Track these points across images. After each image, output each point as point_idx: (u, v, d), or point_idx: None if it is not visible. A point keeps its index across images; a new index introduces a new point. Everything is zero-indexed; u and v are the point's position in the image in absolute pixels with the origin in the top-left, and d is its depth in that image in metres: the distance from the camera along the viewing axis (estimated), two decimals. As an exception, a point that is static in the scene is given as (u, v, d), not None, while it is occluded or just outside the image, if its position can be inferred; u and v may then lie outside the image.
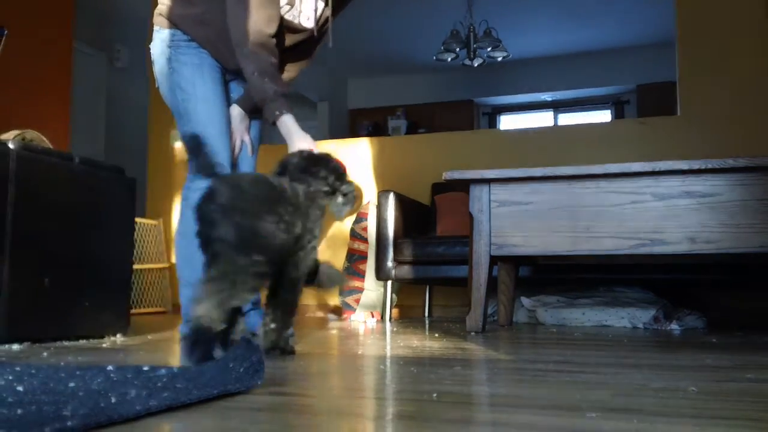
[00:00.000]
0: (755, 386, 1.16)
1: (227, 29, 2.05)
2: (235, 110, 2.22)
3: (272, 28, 2.00)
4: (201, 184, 2.08)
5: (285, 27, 2.11)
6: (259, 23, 1.98)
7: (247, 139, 2.25)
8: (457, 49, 5.76)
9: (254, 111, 2.28)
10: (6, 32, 3.16)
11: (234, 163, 2.22)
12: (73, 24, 4.31)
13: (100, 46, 5.57)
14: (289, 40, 2.16)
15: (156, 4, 2.13)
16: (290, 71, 2.28)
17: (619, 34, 6.96)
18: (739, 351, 1.83)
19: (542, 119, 8.44)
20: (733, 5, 3.85)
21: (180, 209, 2.15)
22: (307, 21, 2.16)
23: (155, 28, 2.14)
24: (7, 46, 3.44)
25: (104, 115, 5.62)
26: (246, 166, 2.27)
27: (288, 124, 2.02)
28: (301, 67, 2.31)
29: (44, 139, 2.21)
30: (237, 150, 2.22)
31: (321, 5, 2.17)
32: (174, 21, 2.06)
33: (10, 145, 1.87)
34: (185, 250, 2.11)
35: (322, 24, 2.23)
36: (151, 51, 2.16)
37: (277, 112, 2.02)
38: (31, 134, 2.15)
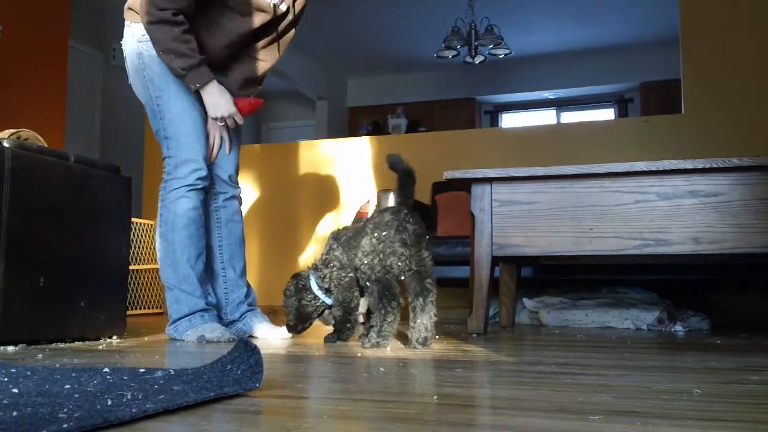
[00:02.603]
0: (760, 388, 1.15)
1: (197, 23, 2.03)
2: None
3: (170, 3, 1.95)
4: (177, 185, 2.08)
5: (247, 5, 2.07)
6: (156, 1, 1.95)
7: (226, 136, 2.22)
8: (459, 47, 5.75)
9: None
10: (1, 30, 3.15)
11: (212, 161, 2.19)
12: (69, 22, 4.30)
13: (95, 45, 5.56)
14: (255, 22, 2.11)
15: None
16: (266, 62, 2.23)
17: (622, 32, 6.95)
18: (744, 352, 1.82)
19: (545, 117, 8.43)
20: (737, 2, 3.83)
21: (160, 211, 2.13)
22: (282, 3, 2.12)
23: (126, 22, 2.11)
24: (2, 44, 3.43)
25: (100, 114, 5.62)
26: (225, 163, 2.24)
27: (207, 91, 2.04)
28: (276, 59, 2.26)
29: (39, 137, 2.20)
30: (216, 148, 2.20)
31: None
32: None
33: (5, 144, 1.86)
34: (168, 252, 2.11)
35: (299, 12, 2.20)
36: (123, 47, 2.14)
37: (192, 86, 2.02)
38: (27, 133, 2.14)
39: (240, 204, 2.31)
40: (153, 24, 1.96)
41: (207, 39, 2.06)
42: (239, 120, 2.14)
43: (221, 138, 2.21)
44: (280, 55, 2.27)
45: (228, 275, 2.24)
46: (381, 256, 1.85)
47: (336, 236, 2.02)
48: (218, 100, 2.07)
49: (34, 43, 3.94)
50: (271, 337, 2.15)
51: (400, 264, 1.87)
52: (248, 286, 2.31)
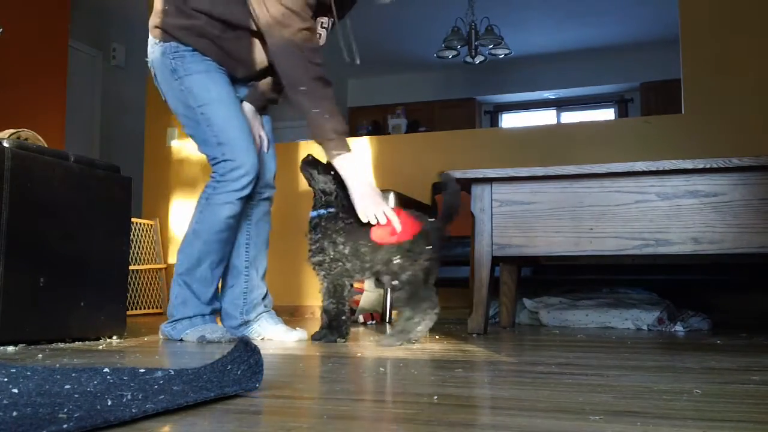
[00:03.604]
0: (760, 388, 1.15)
1: (228, 42, 2.03)
2: (247, 107, 2.20)
3: (320, 58, 1.99)
4: (228, 188, 2.06)
5: None
6: (312, 56, 1.97)
7: (263, 134, 2.24)
8: (459, 47, 5.75)
9: (263, 108, 2.26)
10: (1, 30, 3.15)
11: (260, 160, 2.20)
12: (69, 22, 4.30)
13: (95, 45, 5.56)
14: None
15: (151, 2, 2.10)
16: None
17: (622, 32, 6.94)
18: (744, 353, 1.81)
19: (545, 118, 8.43)
20: (737, 2, 3.83)
21: (199, 208, 2.11)
22: (322, 40, 2.17)
23: (153, 41, 2.10)
24: (2, 44, 3.43)
25: (100, 114, 5.62)
26: (270, 163, 2.25)
27: (346, 166, 2.01)
28: None
29: (39, 137, 2.20)
30: (259, 147, 2.20)
31: (327, 21, 2.16)
32: (173, 33, 2.04)
33: (5, 144, 1.86)
34: (194, 249, 2.09)
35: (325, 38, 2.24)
36: (151, 65, 2.12)
37: (335, 152, 1.99)
38: (27, 133, 2.14)
39: (271, 204, 2.30)
40: (314, 81, 1.96)
41: (249, 56, 2.09)
42: (391, 217, 1.98)
43: (259, 137, 2.21)
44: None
45: (251, 275, 2.21)
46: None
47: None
48: (356, 171, 2.01)
49: (34, 44, 3.94)
50: (287, 340, 2.13)
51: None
52: (266, 288, 2.30)
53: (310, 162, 2.09)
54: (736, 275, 3.08)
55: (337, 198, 2.04)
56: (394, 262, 1.95)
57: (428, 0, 6.12)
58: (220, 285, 2.20)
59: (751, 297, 3.43)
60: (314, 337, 2.06)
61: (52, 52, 4.10)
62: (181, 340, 2.07)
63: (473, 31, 5.70)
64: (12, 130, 2.09)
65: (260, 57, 2.11)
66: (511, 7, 6.18)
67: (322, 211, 2.06)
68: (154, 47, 2.09)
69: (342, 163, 2.00)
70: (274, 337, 2.16)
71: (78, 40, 5.13)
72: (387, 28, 6.88)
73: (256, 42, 2.09)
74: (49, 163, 1.99)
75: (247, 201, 2.18)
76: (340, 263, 2.00)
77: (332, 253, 2.00)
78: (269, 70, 2.15)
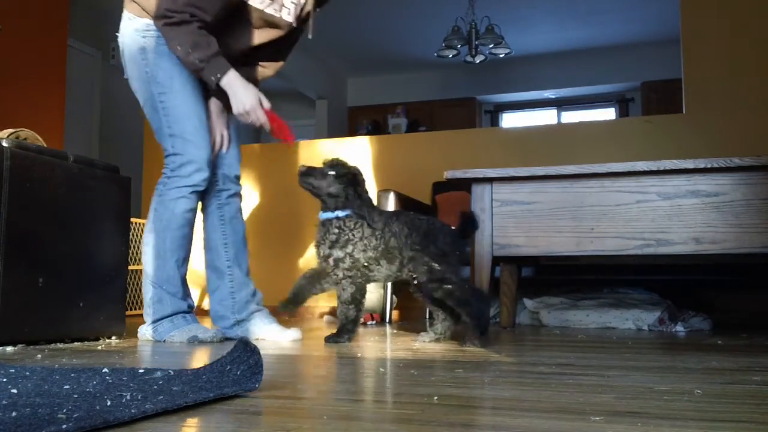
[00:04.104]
0: (761, 389, 1.14)
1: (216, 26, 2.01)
2: (213, 104, 2.16)
3: (190, 7, 1.92)
4: (179, 183, 2.05)
5: (264, 21, 2.06)
6: (166, 3, 1.92)
7: (226, 134, 2.19)
8: (459, 46, 5.75)
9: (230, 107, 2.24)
10: (0, 30, 3.15)
11: (214, 160, 2.17)
12: (68, 22, 4.29)
13: (94, 44, 5.56)
14: (267, 35, 2.11)
15: None
16: (267, 69, 2.23)
17: (623, 31, 6.94)
18: (745, 353, 1.81)
19: (545, 117, 8.43)
20: (737, 3, 3.83)
21: (154, 206, 2.09)
22: (288, 15, 2.10)
23: (127, 15, 2.07)
24: (1, 44, 3.43)
25: (99, 114, 5.61)
26: (233, 161, 2.22)
27: (229, 82, 1.97)
28: (278, 67, 2.27)
29: (38, 137, 2.20)
30: (218, 146, 2.18)
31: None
32: (149, 10, 2.00)
33: (4, 144, 1.85)
34: (158, 250, 2.07)
35: (303, 19, 2.17)
36: (121, 39, 2.09)
37: (213, 78, 1.96)
38: (26, 133, 2.14)
39: (241, 201, 2.30)
40: (171, 25, 1.93)
41: (223, 39, 2.04)
42: (262, 119, 2.04)
43: (221, 136, 2.19)
44: (283, 64, 2.28)
45: (235, 274, 2.20)
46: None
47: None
48: (243, 92, 1.99)
49: (34, 43, 3.94)
50: (281, 339, 2.12)
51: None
52: (253, 285, 2.29)
53: (305, 173, 2.06)
54: (737, 275, 3.08)
55: (348, 198, 2.02)
56: (426, 266, 1.96)
57: (428, 0, 6.12)
58: (205, 289, 2.19)
59: (751, 297, 3.43)
60: (328, 340, 2.03)
61: (51, 52, 4.09)
62: (164, 341, 2.05)
63: (474, 30, 5.69)
64: (11, 130, 2.08)
65: (225, 51, 2.06)
66: (511, 7, 6.18)
67: (339, 213, 2.02)
68: (126, 22, 2.07)
69: (225, 82, 1.96)
70: (267, 337, 2.14)
71: (77, 39, 5.12)
72: (387, 27, 6.88)
73: (240, 31, 2.07)
74: (48, 162, 1.99)
75: (213, 200, 2.17)
76: (367, 269, 2.01)
77: (362, 260, 1.99)
78: (236, 64, 2.11)
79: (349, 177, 2.05)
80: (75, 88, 5.00)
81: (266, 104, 2.04)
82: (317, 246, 2.05)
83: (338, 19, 6.51)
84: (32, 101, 3.88)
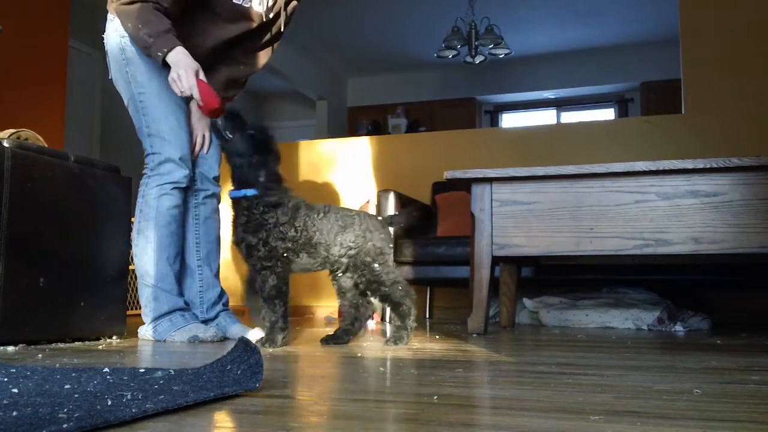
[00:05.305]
0: (760, 388, 1.15)
1: (180, 25, 2.00)
2: (195, 106, 2.17)
3: None
4: (160, 181, 2.06)
5: (234, 12, 2.06)
6: None
7: (207, 135, 2.20)
8: (459, 46, 5.75)
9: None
10: (1, 30, 3.15)
11: (194, 160, 2.18)
12: (69, 22, 4.29)
13: (95, 44, 5.55)
14: (239, 29, 2.10)
15: None
16: (249, 65, 2.22)
17: (623, 32, 6.94)
18: (744, 353, 1.81)
19: (545, 117, 8.43)
20: (737, 3, 3.83)
21: (139, 207, 2.12)
22: (259, 6, 2.10)
23: (109, 16, 2.09)
24: (2, 44, 3.43)
25: (99, 114, 5.61)
26: (212, 161, 2.23)
27: (176, 58, 1.93)
28: (260, 64, 2.26)
29: (39, 137, 2.20)
30: (198, 147, 2.19)
31: None
32: None
33: (5, 144, 1.86)
34: (147, 249, 2.09)
35: (276, 12, 2.17)
36: (105, 41, 2.11)
37: (160, 53, 1.93)
38: (27, 133, 2.14)
39: (219, 202, 2.30)
40: (126, 5, 1.93)
41: (193, 39, 2.05)
42: (196, 96, 1.96)
43: (203, 137, 2.20)
44: (266, 61, 2.27)
45: (204, 273, 2.23)
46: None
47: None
48: (180, 66, 1.92)
49: (34, 43, 3.94)
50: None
51: None
52: (221, 286, 2.30)
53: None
54: (736, 275, 3.08)
55: (252, 169, 1.83)
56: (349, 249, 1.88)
57: (428, 0, 6.12)
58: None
59: (750, 297, 3.43)
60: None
61: (52, 52, 4.09)
62: (165, 341, 2.05)
63: (473, 30, 5.69)
64: (12, 130, 2.09)
65: (200, 43, 2.06)
66: (511, 7, 6.18)
67: (247, 192, 1.82)
68: (109, 23, 2.09)
69: (171, 58, 1.93)
70: (232, 336, 2.16)
71: (78, 39, 5.12)
72: (387, 28, 6.88)
73: (210, 26, 2.07)
74: (48, 163, 1.99)
75: (191, 198, 2.18)
76: (287, 260, 1.83)
77: (280, 249, 1.80)
78: (215, 61, 2.11)
79: (257, 143, 1.83)
80: (76, 88, 5.00)
81: (201, 76, 1.98)
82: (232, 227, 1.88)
83: (338, 19, 6.51)
84: (33, 101, 3.88)
